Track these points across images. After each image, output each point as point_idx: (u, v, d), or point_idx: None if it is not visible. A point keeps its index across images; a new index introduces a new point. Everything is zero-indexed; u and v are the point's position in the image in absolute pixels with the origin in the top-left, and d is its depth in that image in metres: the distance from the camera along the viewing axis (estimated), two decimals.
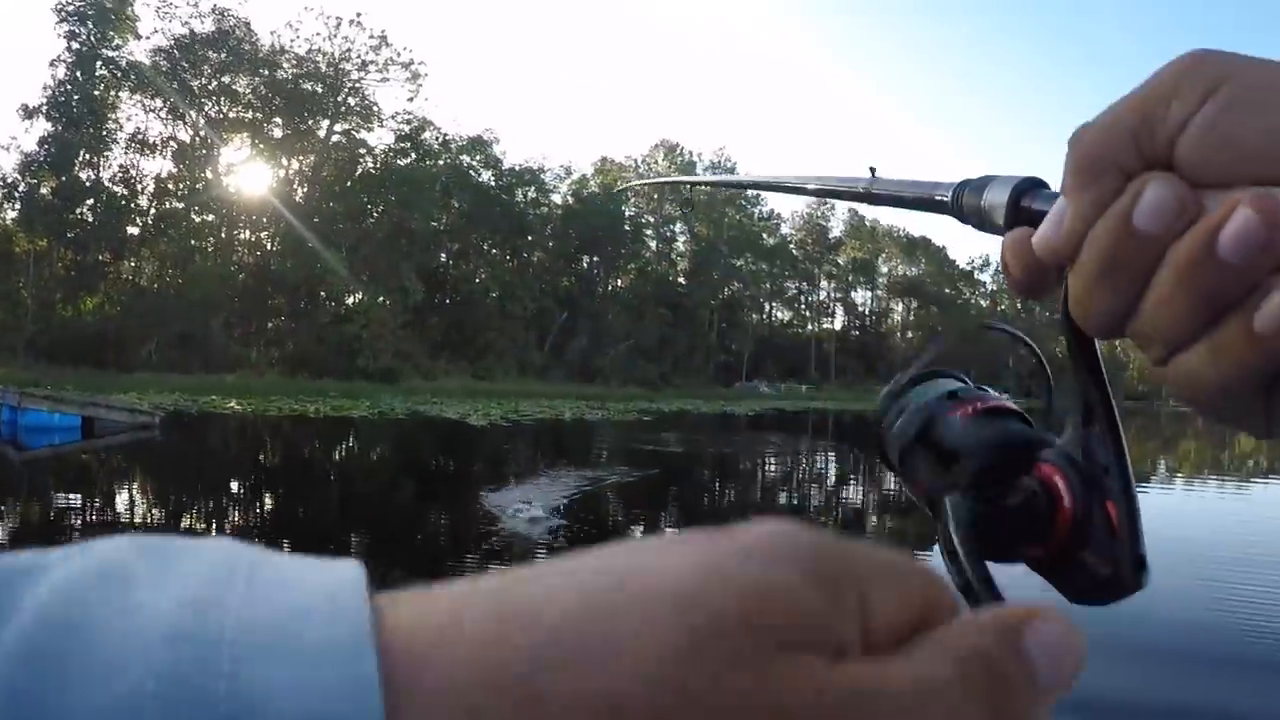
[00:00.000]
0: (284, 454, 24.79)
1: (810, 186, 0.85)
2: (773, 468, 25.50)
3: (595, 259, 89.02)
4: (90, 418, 24.05)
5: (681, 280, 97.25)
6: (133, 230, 62.48)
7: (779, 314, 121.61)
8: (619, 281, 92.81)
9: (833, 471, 24.69)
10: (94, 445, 22.07)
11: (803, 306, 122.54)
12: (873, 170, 0.71)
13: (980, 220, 0.56)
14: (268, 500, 16.05)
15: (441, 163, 73.53)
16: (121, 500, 15.27)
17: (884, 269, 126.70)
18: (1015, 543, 0.50)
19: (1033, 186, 0.52)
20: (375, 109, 70.06)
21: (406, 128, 71.09)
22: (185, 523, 13.18)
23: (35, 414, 23.04)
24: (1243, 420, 0.44)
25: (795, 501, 17.91)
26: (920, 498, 0.54)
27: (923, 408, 0.56)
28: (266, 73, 66.22)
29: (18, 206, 59.85)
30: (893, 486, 20.47)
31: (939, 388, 0.57)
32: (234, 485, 17.39)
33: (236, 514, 14.29)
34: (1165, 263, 0.41)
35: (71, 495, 15.46)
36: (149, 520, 13.25)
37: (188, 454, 23.15)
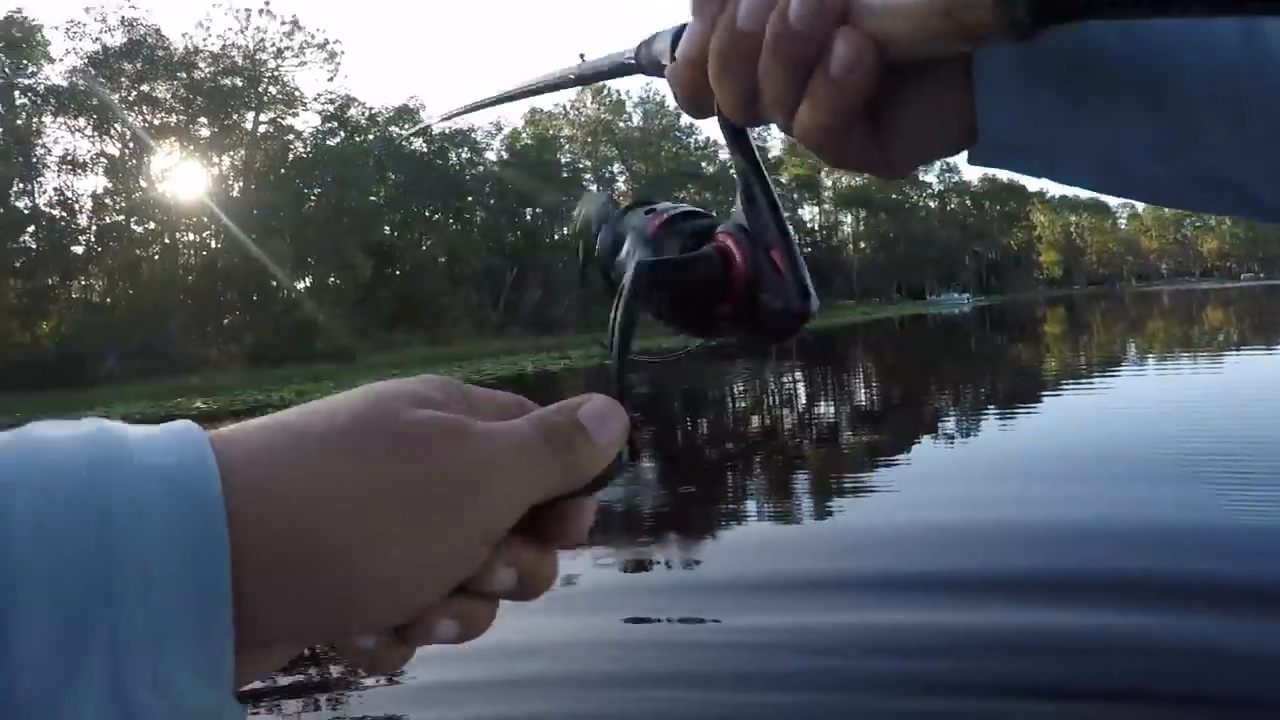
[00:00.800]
0: None
1: (535, 86, 0.91)
2: (741, 391, 26.53)
3: (538, 210, 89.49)
4: None
5: None
6: (77, 250, 62.98)
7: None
8: (565, 229, 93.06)
9: (800, 391, 25.56)
10: None
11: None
12: (582, 56, 0.83)
13: (656, 68, 0.65)
14: None
15: (371, 137, 73.77)
16: None
17: (828, 182, 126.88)
18: (708, 303, 0.58)
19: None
20: (297, 94, 70.17)
21: (331, 107, 71.33)
22: None
23: None
24: (866, 163, 0.57)
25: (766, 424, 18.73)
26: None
27: (619, 234, 0.65)
28: (184, 75, 66.22)
29: None
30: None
31: (639, 212, 0.65)
32: None
33: None
34: (763, 48, 0.51)
35: None
36: None
37: None
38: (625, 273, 0.56)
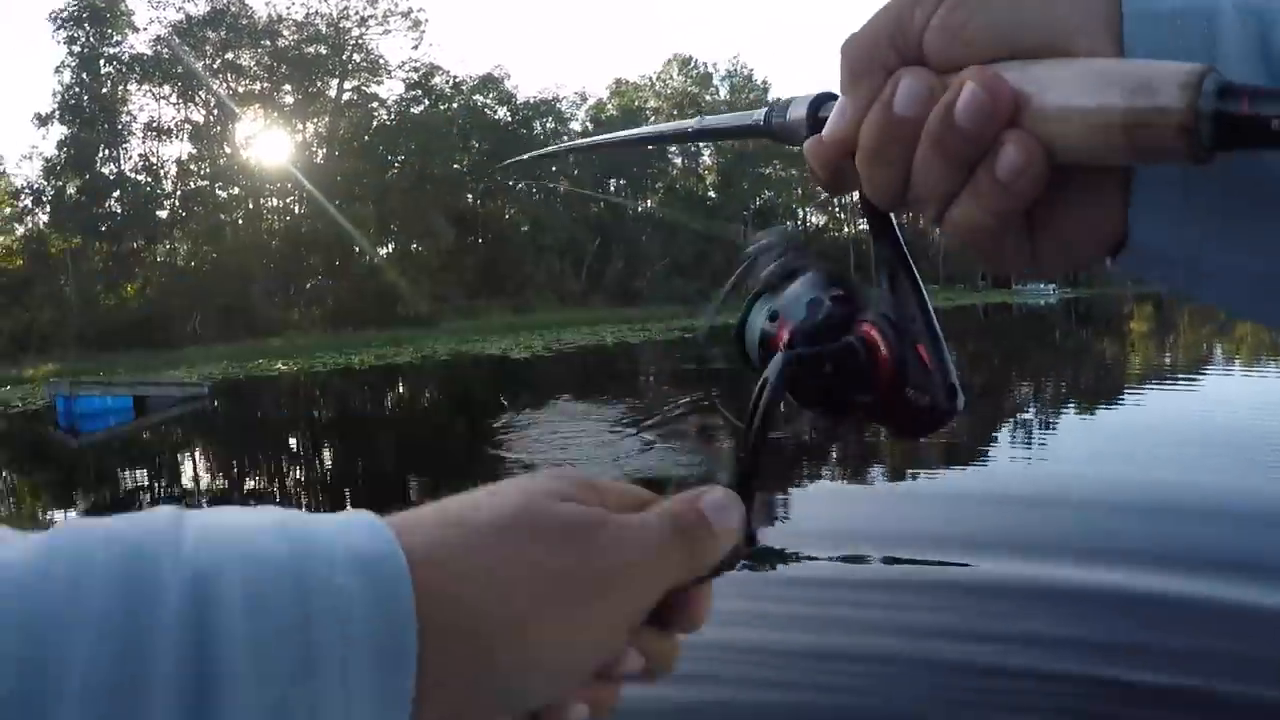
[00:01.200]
0: (331, 408, 25.25)
1: (647, 135, 0.89)
2: None
3: (622, 182, 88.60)
4: (141, 397, 24.70)
5: (712, 194, 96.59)
6: (162, 214, 63.28)
7: (814, 219, 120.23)
8: (649, 201, 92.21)
9: None
10: (148, 422, 22.61)
11: (837, 209, 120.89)
12: (700, 113, 0.79)
13: (791, 136, 0.61)
14: (318, 455, 16.47)
15: (455, 105, 73.22)
16: (179, 470, 15.68)
17: None
18: (847, 392, 0.57)
19: (828, 99, 0.57)
20: (381, 62, 69.81)
21: (415, 75, 70.81)
22: (242, 484, 13.53)
23: (88, 400, 23.54)
24: (1015, 260, 0.53)
25: None
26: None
27: (763, 318, 0.63)
28: (268, 43, 66.05)
29: (48, 210, 60.96)
30: None
31: (767, 306, 0.64)
32: (285, 443, 17.84)
33: (289, 471, 14.69)
34: (922, 137, 0.48)
35: (132, 472, 15.90)
36: (206, 486, 13.63)
37: (238, 419, 23.66)
38: (769, 360, 0.56)
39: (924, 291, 0.57)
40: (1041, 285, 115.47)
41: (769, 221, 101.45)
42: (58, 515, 12.31)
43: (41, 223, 62.02)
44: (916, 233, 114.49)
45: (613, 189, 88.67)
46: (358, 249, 63.17)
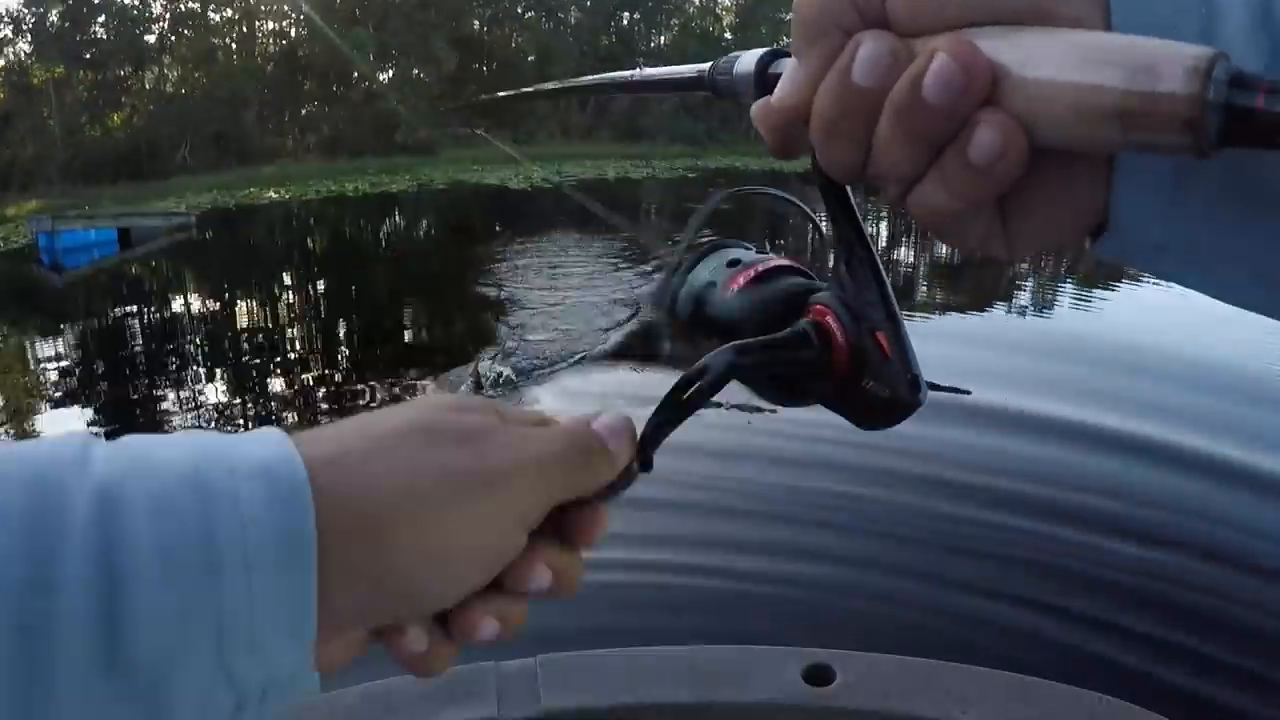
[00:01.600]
0: (323, 237, 24.45)
1: (585, 83, 0.87)
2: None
3: (635, 16, 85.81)
4: (126, 229, 23.76)
5: (728, 35, 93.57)
6: (150, 39, 60.97)
7: None
8: (662, 39, 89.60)
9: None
10: (133, 255, 21.80)
11: None
12: (640, 65, 0.73)
13: (735, 93, 0.58)
14: (306, 285, 15.64)
15: None
16: (166, 303, 14.98)
17: None
18: (802, 381, 0.55)
19: (776, 56, 0.55)
20: None
21: None
22: (229, 315, 12.79)
23: (71, 235, 22.72)
24: (985, 244, 0.48)
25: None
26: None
27: (694, 289, 0.61)
28: None
29: (29, 39, 58.68)
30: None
31: (722, 258, 0.61)
32: (272, 274, 17.00)
33: (276, 302, 13.91)
34: (885, 108, 0.43)
35: (119, 308, 15.30)
36: (193, 317, 12.94)
37: (227, 249, 22.85)
38: (709, 353, 0.53)
39: (883, 273, 0.53)
40: None
41: None
42: (46, 351, 11.98)
43: (23, 53, 59.83)
44: None
45: (625, 22, 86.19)
46: (356, 74, 61.45)
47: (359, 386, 8.55)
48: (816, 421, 5.83)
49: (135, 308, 14.96)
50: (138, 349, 11.48)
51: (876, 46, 0.43)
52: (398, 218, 27.22)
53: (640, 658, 2.22)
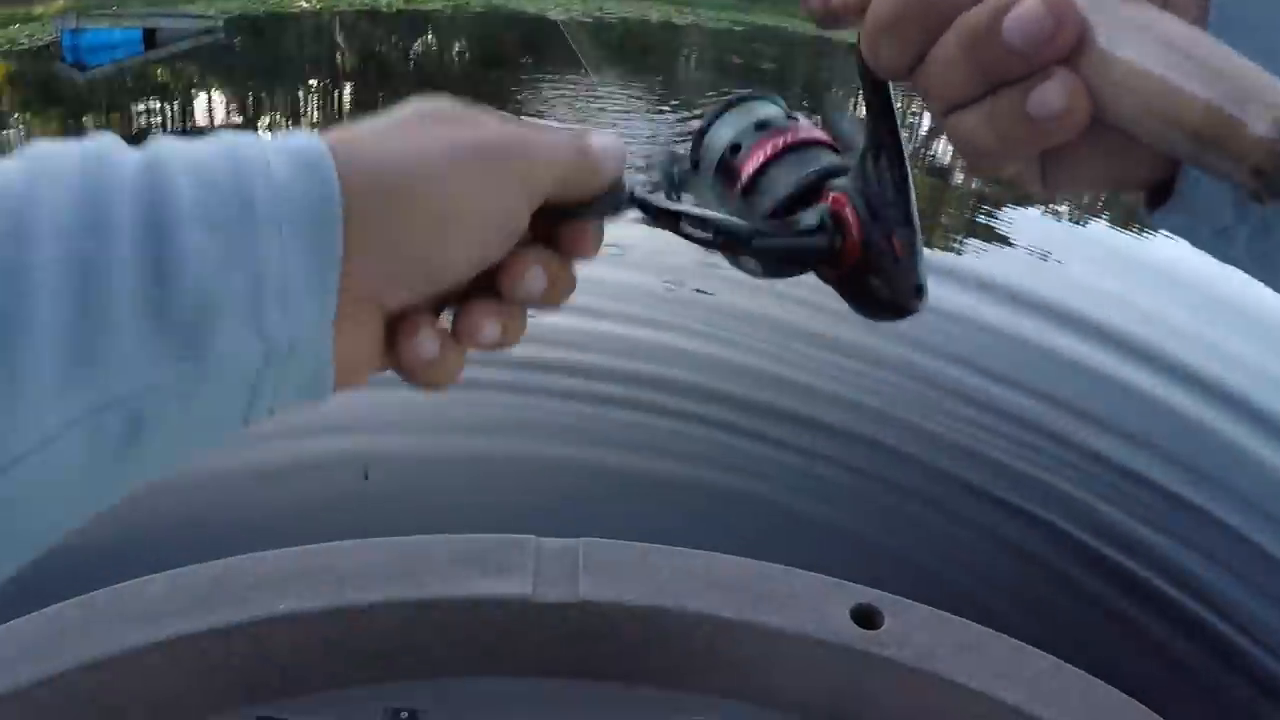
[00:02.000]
0: (350, 51, 23.89)
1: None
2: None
3: None
4: (151, 29, 23.32)
5: None
6: None
7: None
8: None
9: None
10: (157, 55, 21.38)
11: None
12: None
13: None
14: (330, 98, 15.31)
15: None
16: (188, 104, 14.74)
17: None
18: (809, 264, 0.55)
19: None
20: None
21: None
22: (251, 118, 12.55)
23: (95, 34, 22.38)
24: (1018, 178, 0.46)
25: None
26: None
27: (718, 148, 0.60)
28: None
29: None
30: None
31: (751, 115, 0.60)
32: (297, 84, 16.65)
33: (298, 111, 13.61)
34: (954, 26, 0.40)
35: (137, 105, 15.10)
36: (213, 119, 12.73)
37: (253, 56, 22.41)
38: (725, 217, 0.55)
39: (910, 176, 0.52)
40: None
41: None
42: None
43: None
44: None
45: None
46: None
47: None
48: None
49: (155, 105, 14.77)
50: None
51: None
52: (430, 37, 26.58)
53: (686, 559, 2.11)
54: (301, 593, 1.91)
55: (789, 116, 0.60)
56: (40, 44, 26.49)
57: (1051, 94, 0.37)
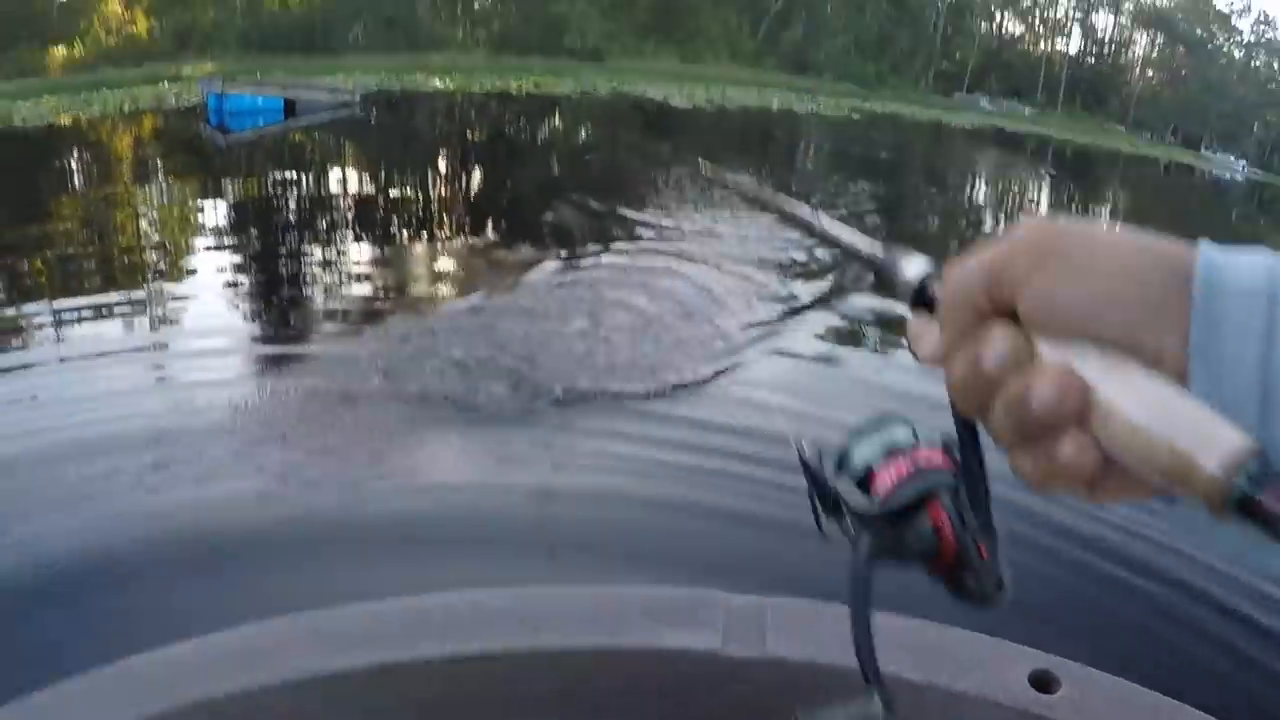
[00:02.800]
0: (483, 128, 24.36)
1: (763, 196, 0.89)
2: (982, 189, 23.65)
3: None
4: (291, 99, 24.13)
5: None
6: None
7: (1010, 26, 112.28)
8: None
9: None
10: (296, 124, 22.09)
11: (1037, 21, 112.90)
12: (817, 209, 0.77)
13: (895, 292, 0.65)
14: (463, 172, 15.54)
15: None
16: (322, 173, 15.05)
17: None
18: (913, 559, 0.69)
19: (934, 278, 0.62)
20: None
21: None
22: (383, 193, 12.76)
23: (239, 99, 23.28)
24: (1072, 492, 0.55)
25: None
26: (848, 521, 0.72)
27: (856, 470, 0.74)
28: None
29: None
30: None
31: (885, 437, 0.74)
32: (430, 157, 16.93)
33: (433, 185, 13.83)
34: (999, 394, 0.53)
35: (276, 172, 15.49)
36: (348, 192, 12.97)
37: (387, 129, 22.94)
38: (853, 543, 0.72)
39: (990, 493, 0.65)
40: (1232, 158, 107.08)
41: (962, 17, 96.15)
42: (205, 206, 12.15)
43: None
44: (1115, 66, 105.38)
45: None
46: None
47: (486, 262, 8.35)
48: None
49: (292, 173, 15.11)
50: (289, 210, 11.55)
51: (1003, 342, 0.53)
52: (556, 120, 27.03)
53: (875, 621, 2.01)
54: (492, 633, 1.91)
55: (915, 437, 0.73)
56: (186, 105, 27.76)
57: (1066, 448, 0.50)
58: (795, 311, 7.16)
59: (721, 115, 30.38)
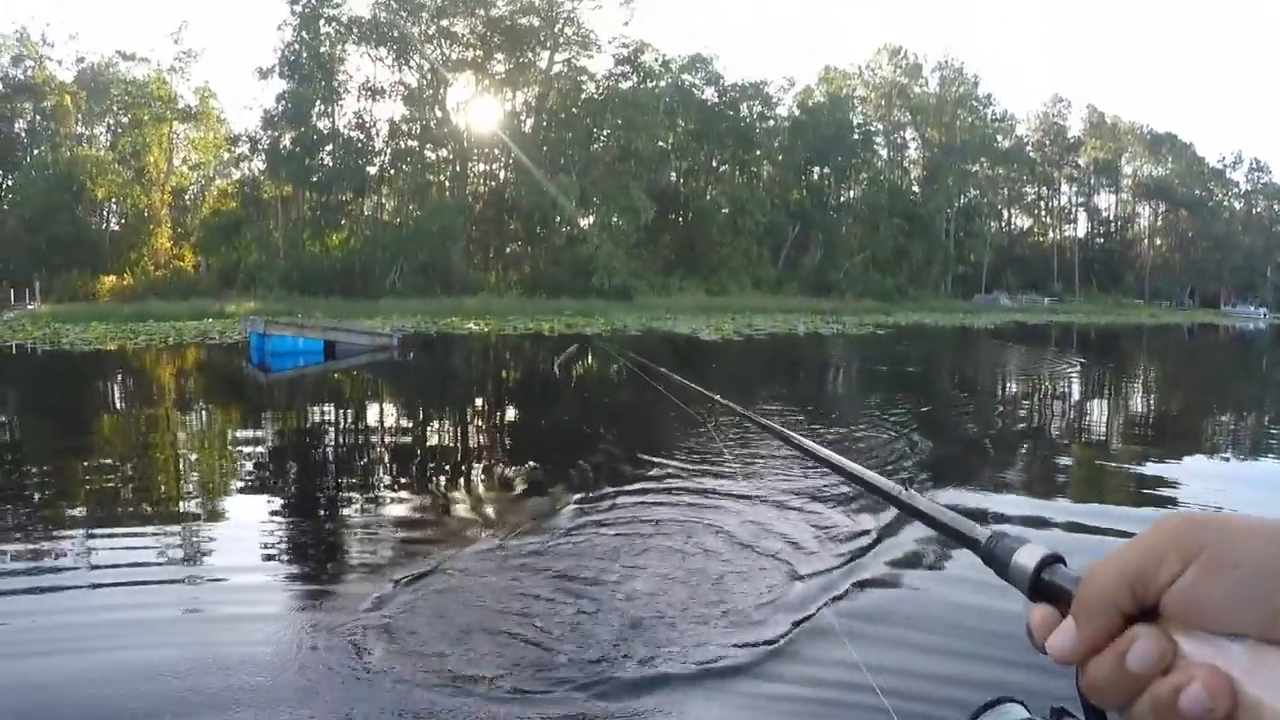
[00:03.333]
0: (515, 370, 24.82)
1: (848, 469, 0.95)
2: (1015, 392, 23.85)
3: (825, 170, 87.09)
4: (331, 342, 24.83)
5: (915, 189, 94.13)
6: (371, 170, 64.82)
7: (1018, 221, 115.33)
8: (851, 192, 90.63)
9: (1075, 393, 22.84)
10: (335, 366, 22.60)
11: (1043, 213, 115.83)
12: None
13: (1007, 575, 0.65)
14: (495, 413, 15.83)
15: (663, 84, 72.89)
16: (360, 415, 15.36)
17: (1128, 169, 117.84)
18: None
19: (1053, 562, 0.62)
20: (592, 36, 69.72)
21: (624, 51, 70.63)
22: (420, 434, 13.02)
23: (280, 340, 23.97)
24: None
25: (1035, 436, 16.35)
26: None
27: None
28: (482, 12, 66.76)
29: (263, 158, 63.39)
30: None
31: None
32: (464, 399, 17.28)
33: (464, 426, 14.11)
34: (1149, 691, 0.53)
35: (314, 410, 15.82)
36: (385, 432, 13.23)
37: (423, 371, 23.42)
38: None
39: None
40: (1251, 308, 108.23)
41: (971, 221, 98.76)
42: (245, 438, 12.48)
43: (257, 170, 64.85)
44: (1124, 241, 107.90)
45: (815, 176, 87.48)
46: (559, 218, 63.59)
47: (510, 502, 8.46)
48: None
49: (329, 413, 15.43)
50: (326, 451, 11.78)
51: (1150, 645, 0.52)
52: (590, 359, 27.54)
53: None
54: None
55: (1028, 712, 0.72)
56: (229, 341, 28.66)
57: None
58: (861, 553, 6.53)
59: (749, 345, 30.89)
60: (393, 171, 65.62)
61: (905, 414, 14.24)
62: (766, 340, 33.19)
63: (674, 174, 75.38)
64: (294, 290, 50.13)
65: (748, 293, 63.71)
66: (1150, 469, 10.41)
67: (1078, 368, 26.98)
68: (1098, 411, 17.66)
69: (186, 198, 70.49)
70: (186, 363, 24.69)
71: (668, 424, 12.29)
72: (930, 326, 47.38)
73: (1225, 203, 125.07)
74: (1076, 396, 20.30)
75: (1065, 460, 11.61)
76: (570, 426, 13.78)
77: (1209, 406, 18.95)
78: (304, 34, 61.96)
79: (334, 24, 63.58)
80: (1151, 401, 20.57)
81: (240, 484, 9.28)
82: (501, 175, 68.13)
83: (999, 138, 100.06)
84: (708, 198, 73.76)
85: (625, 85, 69.98)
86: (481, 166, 69.74)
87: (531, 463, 10.25)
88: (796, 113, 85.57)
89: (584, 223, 64.14)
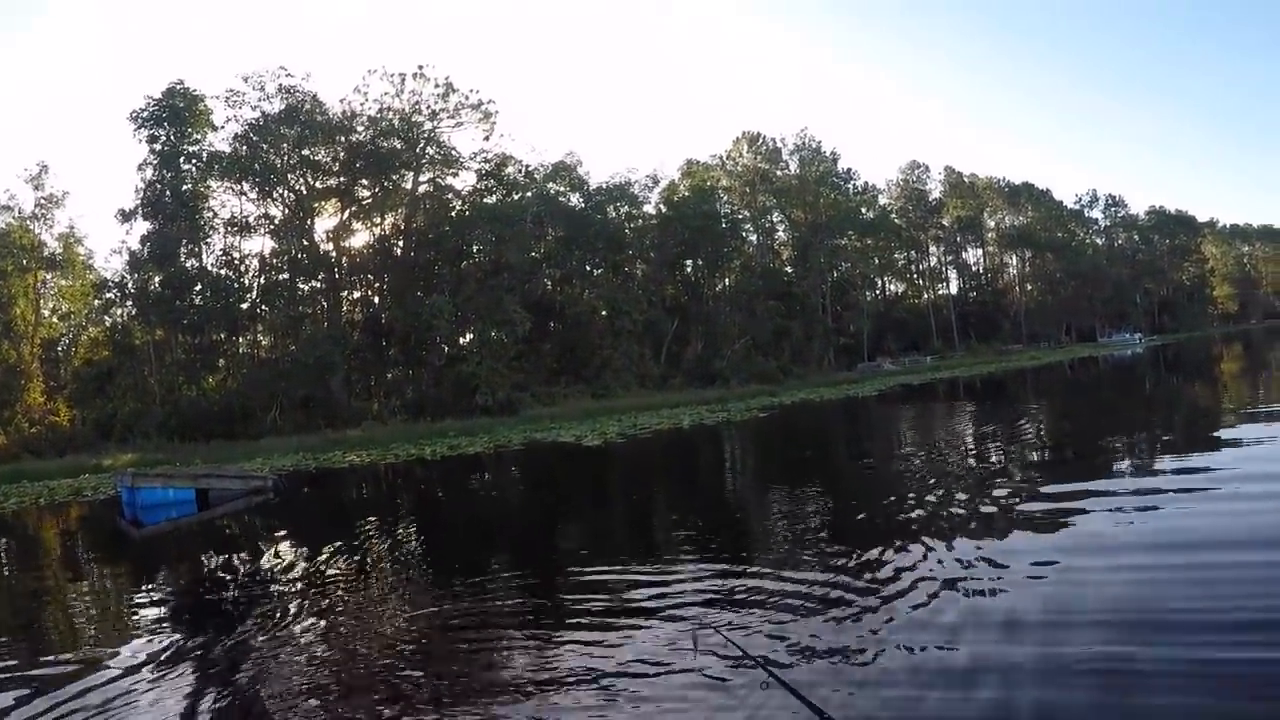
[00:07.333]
0: (393, 499, 24.79)
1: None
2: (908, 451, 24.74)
3: (699, 262, 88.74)
4: (204, 489, 24.58)
5: (788, 269, 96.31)
6: (243, 307, 64.13)
7: (892, 287, 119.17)
8: (726, 280, 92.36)
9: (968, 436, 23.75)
10: (211, 515, 22.38)
11: (915, 275, 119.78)
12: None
13: None
14: (369, 545, 15.89)
15: (529, 194, 73.83)
16: (230, 562, 15.32)
17: (991, 223, 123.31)
18: None
19: None
20: (455, 154, 70.64)
21: (488, 166, 71.42)
22: (295, 579, 13.05)
23: (150, 492, 23.75)
24: None
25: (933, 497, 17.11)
26: None
27: None
28: (343, 139, 67.29)
29: (132, 303, 62.38)
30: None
31: None
32: (338, 533, 17.30)
33: (338, 563, 14.17)
34: None
35: (188, 564, 15.81)
36: (258, 579, 13.26)
37: (300, 510, 23.28)
38: None
39: None
40: (1126, 335, 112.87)
41: (846, 294, 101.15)
42: (124, 598, 12.69)
43: (127, 315, 63.68)
44: (996, 291, 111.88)
45: (689, 269, 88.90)
46: (437, 338, 63.62)
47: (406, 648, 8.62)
48: None
49: (201, 564, 15.48)
50: (193, 601, 11.88)
51: None
52: (472, 481, 27.64)
53: None
54: None
55: None
56: (104, 496, 28.33)
57: None
58: None
59: (635, 445, 31.27)
60: (265, 307, 65.06)
61: (800, 510, 14.72)
62: (651, 438, 33.62)
63: (548, 282, 76.08)
64: (173, 437, 49.27)
65: (633, 391, 64.16)
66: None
67: (970, 416, 28.04)
68: (993, 453, 18.57)
69: (58, 349, 68.86)
70: (56, 525, 24.34)
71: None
72: (815, 401, 48.36)
73: (1088, 240, 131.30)
74: (970, 441, 21.18)
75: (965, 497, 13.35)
76: (442, 558, 13.93)
77: (1092, 431, 20.35)
78: (165, 172, 61.32)
79: (195, 161, 63.24)
80: (1042, 433, 21.79)
81: (121, 643, 9.44)
82: (375, 301, 68.08)
83: (864, 209, 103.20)
84: (583, 301, 74.40)
85: (491, 199, 70.58)
86: (355, 294, 69.66)
87: (406, 596, 10.44)
88: (663, 209, 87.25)
89: (462, 341, 64.34)
